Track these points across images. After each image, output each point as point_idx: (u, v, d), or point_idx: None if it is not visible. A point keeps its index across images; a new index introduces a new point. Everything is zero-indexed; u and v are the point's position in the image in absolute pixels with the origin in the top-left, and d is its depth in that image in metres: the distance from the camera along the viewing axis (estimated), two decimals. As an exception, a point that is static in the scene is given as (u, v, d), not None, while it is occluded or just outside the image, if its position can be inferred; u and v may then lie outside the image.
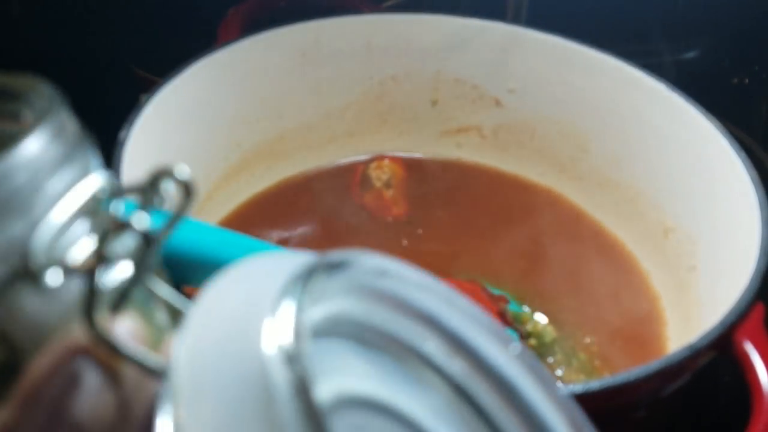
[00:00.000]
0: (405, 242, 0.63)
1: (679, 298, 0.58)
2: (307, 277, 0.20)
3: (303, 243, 0.61)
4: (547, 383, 0.25)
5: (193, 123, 0.59)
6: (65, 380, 0.19)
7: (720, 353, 0.46)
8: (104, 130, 0.52)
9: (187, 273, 0.41)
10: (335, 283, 0.21)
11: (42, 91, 0.24)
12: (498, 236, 0.64)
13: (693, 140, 0.59)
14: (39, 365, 0.19)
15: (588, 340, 0.56)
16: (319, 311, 0.20)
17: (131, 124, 0.52)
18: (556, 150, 0.68)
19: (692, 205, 0.59)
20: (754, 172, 0.54)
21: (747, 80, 0.75)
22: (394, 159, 0.68)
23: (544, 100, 0.67)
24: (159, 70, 0.59)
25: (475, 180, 0.69)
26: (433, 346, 0.24)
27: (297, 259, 0.21)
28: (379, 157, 0.68)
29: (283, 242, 0.61)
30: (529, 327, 0.56)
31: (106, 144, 0.50)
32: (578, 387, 0.41)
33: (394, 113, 0.69)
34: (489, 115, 0.69)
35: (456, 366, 0.24)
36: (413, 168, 0.68)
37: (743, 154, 0.55)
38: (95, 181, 0.22)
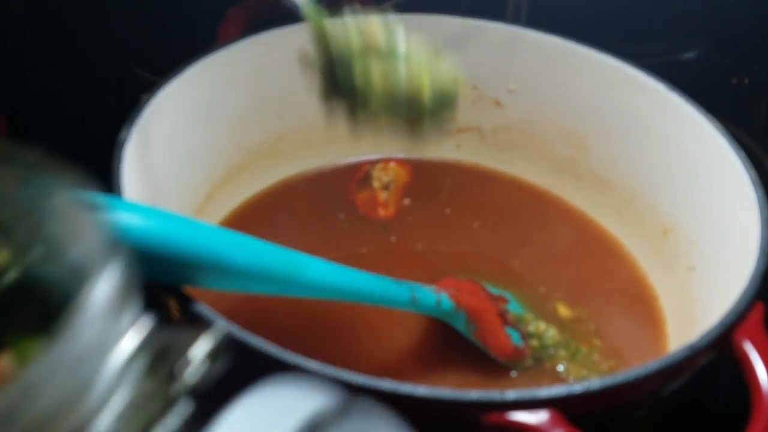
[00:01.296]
0: (394, 240, 0.63)
1: (678, 297, 0.58)
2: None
3: (301, 242, 0.61)
4: None
5: (193, 123, 0.59)
6: None
7: (719, 353, 0.46)
8: (105, 131, 0.52)
9: (188, 273, 0.41)
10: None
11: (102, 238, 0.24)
12: (497, 236, 0.64)
13: (692, 140, 0.59)
14: None
15: (587, 338, 0.57)
16: None
17: (131, 124, 0.52)
18: (556, 150, 0.68)
19: (691, 205, 0.59)
20: (754, 173, 0.54)
21: (746, 80, 0.75)
22: (401, 163, 0.68)
23: (544, 101, 0.67)
24: (159, 70, 0.59)
25: (474, 180, 0.69)
26: None
27: (308, 402, 0.23)
28: (387, 160, 0.68)
29: (282, 241, 0.61)
30: (531, 328, 0.56)
31: (106, 144, 0.50)
32: (578, 387, 0.41)
33: (394, 113, 0.69)
34: (488, 115, 0.69)
35: None
36: (417, 171, 0.68)
37: (742, 154, 0.55)
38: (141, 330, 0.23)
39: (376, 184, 0.67)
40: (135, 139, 0.52)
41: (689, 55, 0.76)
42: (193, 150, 0.60)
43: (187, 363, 0.23)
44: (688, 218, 0.59)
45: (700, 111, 0.59)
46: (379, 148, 0.69)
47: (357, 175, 0.67)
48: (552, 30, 0.65)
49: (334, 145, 0.68)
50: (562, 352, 0.55)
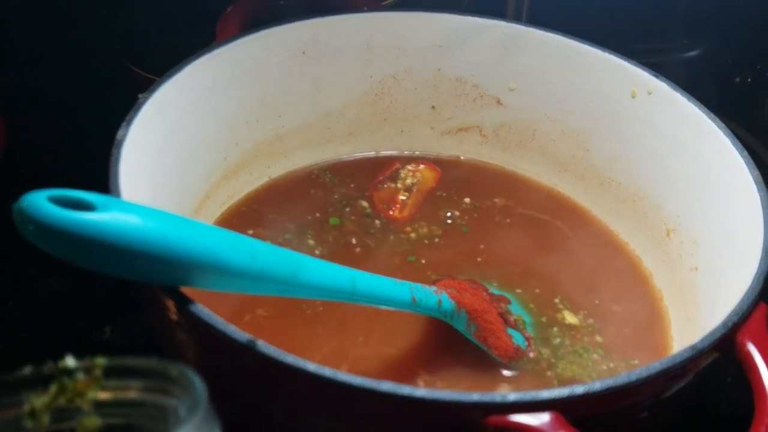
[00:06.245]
0: (396, 240, 0.62)
1: (681, 298, 0.58)
2: None
3: (300, 241, 0.61)
4: None
5: (191, 122, 0.59)
6: None
7: (723, 354, 0.46)
8: (102, 129, 0.52)
9: (185, 274, 0.41)
10: None
11: (192, 384, 0.29)
12: (498, 236, 0.63)
13: (695, 139, 0.58)
14: None
15: (590, 339, 0.56)
16: None
17: (129, 123, 0.52)
18: (558, 149, 0.67)
19: (694, 205, 0.59)
20: (757, 172, 0.54)
21: (750, 79, 0.75)
22: (432, 167, 0.68)
23: (546, 99, 0.66)
24: (157, 68, 0.59)
25: (474, 180, 0.68)
26: None
27: None
28: (418, 161, 0.68)
29: (280, 241, 0.60)
30: (538, 332, 0.55)
31: (103, 143, 0.50)
32: (580, 388, 0.41)
33: (394, 112, 0.69)
34: (490, 114, 0.68)
35: None
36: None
37: (746, 153, 0.55)
38: None
39: (399, 184, 0.66)
40: (132, 138, 0.51)
41: (692, 53, 0.75)
42: (191, 149, 0.59)
43: None
44: (692, 218, 0.59)
45: (703, 110, 0.58)
46: (378, 146, 0.69)
47: (386, 171, 0.67)
48: (554, 28, 0.64)
49: (333, 143, 0.68)
50: (564, 353, 0.55)
